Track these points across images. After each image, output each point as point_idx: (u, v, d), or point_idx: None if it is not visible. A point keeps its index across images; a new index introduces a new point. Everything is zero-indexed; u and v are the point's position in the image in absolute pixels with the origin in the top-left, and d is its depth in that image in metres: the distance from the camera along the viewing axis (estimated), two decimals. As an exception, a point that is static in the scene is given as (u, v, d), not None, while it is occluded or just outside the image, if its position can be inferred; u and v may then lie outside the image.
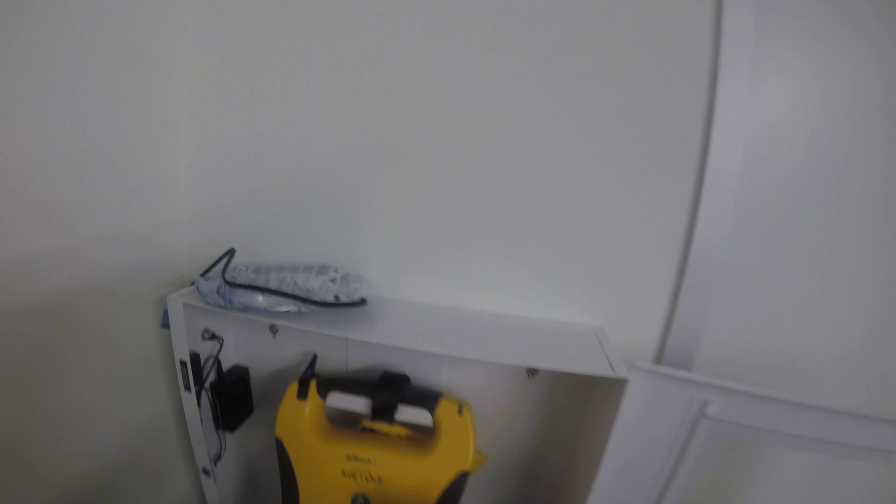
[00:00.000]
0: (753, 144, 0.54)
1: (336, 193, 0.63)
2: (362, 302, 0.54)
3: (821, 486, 0.65)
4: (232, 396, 0.66)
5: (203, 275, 0.60)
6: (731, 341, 0.60)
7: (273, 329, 0.65)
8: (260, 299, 0.53)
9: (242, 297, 0.54)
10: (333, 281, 0.56)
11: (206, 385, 0.63)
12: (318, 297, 0.53)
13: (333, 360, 0.64)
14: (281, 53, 0.61)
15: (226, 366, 0.67)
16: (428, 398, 0.57)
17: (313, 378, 0.59)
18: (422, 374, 0.61)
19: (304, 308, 0.53)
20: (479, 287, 0.62)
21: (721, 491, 0.66)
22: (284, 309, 0.54)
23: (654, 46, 0.54)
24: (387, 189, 0.62)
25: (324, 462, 0.58)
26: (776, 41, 0.53)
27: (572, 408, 0.60)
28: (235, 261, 0.61)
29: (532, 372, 0.59)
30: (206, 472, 0.67)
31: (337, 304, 0.53)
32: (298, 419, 0.58)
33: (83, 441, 0.59)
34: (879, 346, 0.59)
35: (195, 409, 0.62)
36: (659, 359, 0.61)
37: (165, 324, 0.60)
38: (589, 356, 0.52)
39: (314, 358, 0.63)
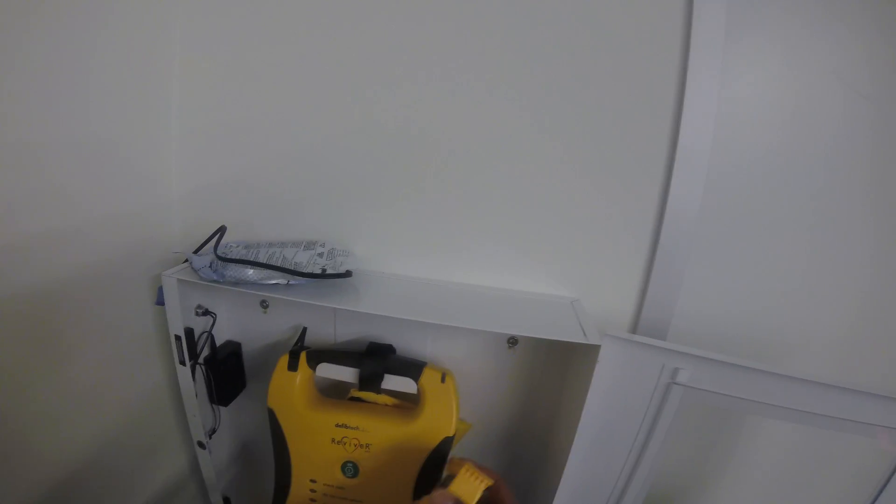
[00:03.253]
0: (725, 121, 0.56)
1: (325, 172, 0.65)
2: (347, 273, 0.57)
3: (803, 455, 0.67)
4: (225, 371, 0.68)
5: (195, 252, 0.62)
6: (704, 314, 0.63)
7: (264, 304, 0.68)
8: (250, 272, 0.56)
9: (234, 271, 0.56)
10: (321, 255, 0.59)
11: (201, 360, 0.65)
12: (305, 270, 0.55)
13: (322, 333, 0.67)
14: (271, 35, 0.63)
15: (219, 341, 0.69)
16: (412, 367, 0.59)
17: (303, 350, 0.62)
18: (407, 344, 0.64)
19: (292, 280, 0.56)
20: (461, 262, 0.65)
21: (703, 458, 0.69)
22: (274, 282, 0.56)
23: (625, 23, 0.55)
24: (374, 168, 0.64)
25: (314, 431, 0.61)
26: (749, 19, 0.54)
27: (551, 377, 0.63)
28: (226, 239, 0.63)
29: (512, 342, 0.62)
30: (201, 444, 0.69)
31: (324, 276, 0.55)
32: (289, 390, 0.61)
33: (81, 420, 0.61)
34: (851, 321, 0.61)
35: (190, 383, 0.64)
36: (634, 330, 0.63)
37: (160, 301, 0.62)
38: (565, 325, 0.54)
39: (304, 331, 0.66)
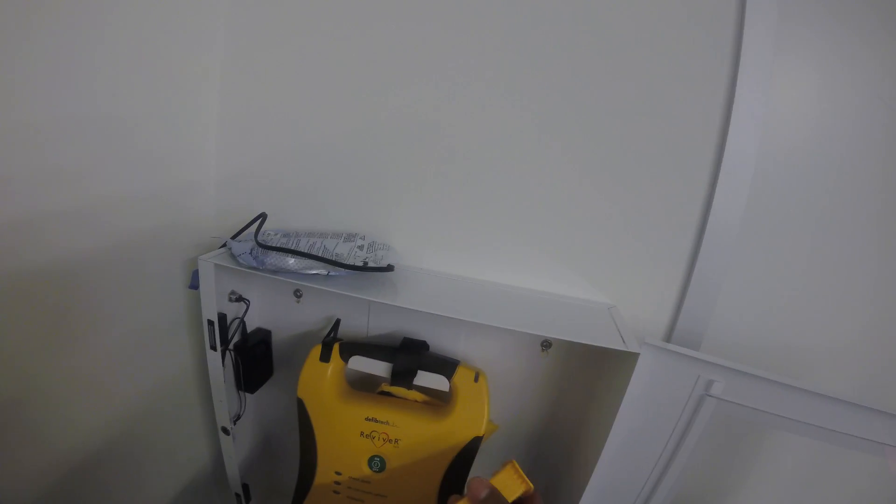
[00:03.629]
0: (769, 136, 0.56)
1: (364, 164, 0.65)
2: (389, 268, 0.57)
3: (818, 472, 0.67)
4: (254, 358, 0.68)
5: (234, 237, 0.62)
6: (738, 326, 0.62)
7: (297, 293, 0.68)
8: (291, 261, 0.56)
9: (274, 258, 0.56)
10: (361, 248, 0.59)
11: (231, 346, 0.66)
12: (346, 262, 0.55)
13: (354, 325, 0.67)
14: (316, 21, 0.63)
15: (249, 328, 0.69)
16: (446, 365, 0.59)
17: (337, 341, 0.62)
18: (440, 341, 0.64)
19: (332, 271, 0.56)
20: (498, 263, 0.64)
21: (723, 470, 0.68)
22: (314, 272, 0.56)
23: (682, 41, 0.56)
24: (415, 163, 0.64)
25: (343, 423, 0.61)
26: (794, 47, 0.55)
27: (582, 381, 0.63)
28: (264, 227, 0.64)
29: (546, 345, 0.62)
30: (225, 430, 0.69)
31: (365, 269, 0.55)
32: (320, 381, 0.61)
33: (96, 404, 0.61)
34: (883, 336, 0.61)
35: (220, 369, 0.64)
36: (668, 338, 0.63)
37: (194, 285, 0.62)
38: (602, 331, 0.54)
39: (337, 322, 0.66)
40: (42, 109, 0.47)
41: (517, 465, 0.44)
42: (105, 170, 0.55)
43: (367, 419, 0.60)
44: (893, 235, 0.58)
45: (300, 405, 0.62)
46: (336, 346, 0.61)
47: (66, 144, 0.50)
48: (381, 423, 0.60)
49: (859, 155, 0.57)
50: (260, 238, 0.60)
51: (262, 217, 0.61)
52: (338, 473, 0.62)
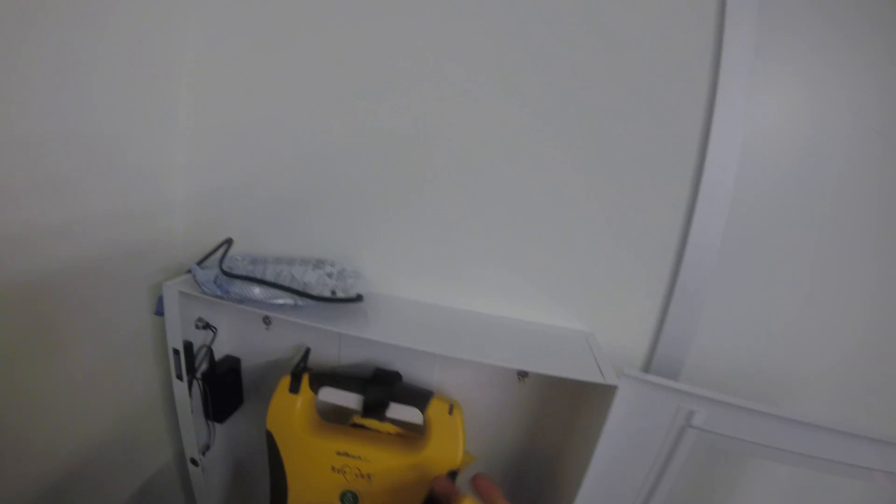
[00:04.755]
0: (748, 156, 0.55)
1: (336, 185, 0.63)
2: (358, 298, 0.55)
3: (804, 498, 0.66)
4: (223, 387, 0.66)
5: (199, 263, 0.60)
6: (719, 351, 0.61)
7: (267, 321, 0.65)
8: (257, 291, 0.53)
9: (239, 287, 0.54)
10: (330, 275, 0.57)
11: (198, 374, 0.63)
12: (314, 292, 0.53)
13: (326, 354, 0.64)
14: (284, 38, 0.61)
15: (218, 356, 0.67)
16: (419, 397, 0.57)
17: (306, 372, 0.59)
18: (414, 371, 0.61)
19: (300, 301, 0.53)
20: (472, 288, 0.63)
21: (706, 499, 0.67)
22: (280, 301, 0.54)
23: (655, 55, 0.54)
24: (387, 185, 0.62)
25: (314, 457, 0.58)
26: (775, 54, 0.54)
27: (560, 411, 0.61)
28: (232, 250, 0.61)
29: (522, 374, 0.60)
30: (194, 462, 0.67)
31: (333, 300, 0.53)
32: (289, 413, 0.59)
33: (71, 419, 0.58)
34: (864, 359, 0.60)
35: (186, 399, 0.62)
36: (647, 366, 0.61)
37: (159, 311, 0.59)
38: (579, 361, 0.52)
39: (307, 351, 0.64)
40: (21, 123, 0.47)
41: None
42: (77, 183, 0.53)
43: (338, 453, 0.58)
44: (879, 256, 0.57)
45: (269, 438, 0.60)
46: (305, 377, 0.59)
47: (40, 157, 0.49)
48: (353, 457, 0.57)
49: (843, 175, 0.56)
50: (226, 264, 0.58)
51: (228, 242, 0.59)
52: (309, 509, 0.60)
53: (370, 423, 0.59)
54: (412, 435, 0.59)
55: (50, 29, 0.47)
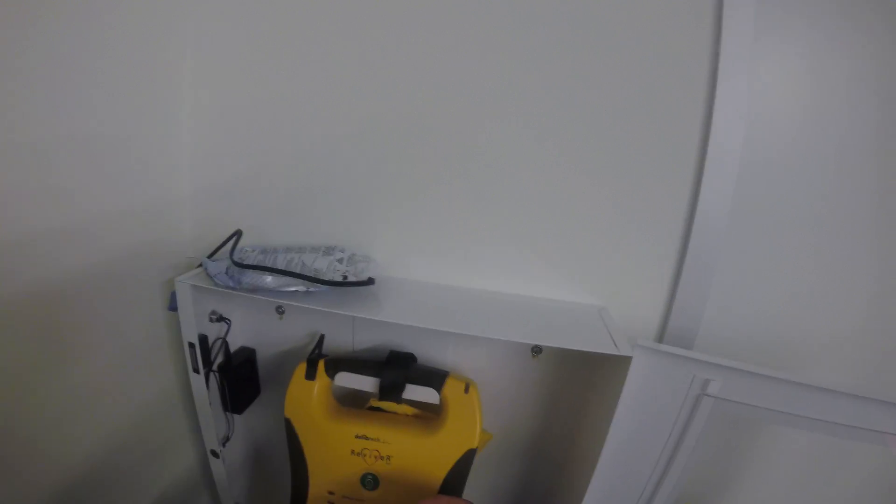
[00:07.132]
0: (753, 127, 0.55)
1: (344, 173, 0.63)
2: (370, 281, 0.55)
3: (819, 465, 0.66)
4: (239, 378, 0.67)
5: (209, 256, 0.60)
6: (731, 321, 0.61)
7: (280, 310, 0.66)
8: (269, 279, 0.54)
9: (251, 277, 0.54)
10: (340, 261, 0.57)
11: (214, 367, 0.64)
12: (326, 277, 0.54)
13: (340, 340, 0.65)
14: (288, 31, 0.61)
15: (233, 347, 0.67)
16: (435, 377, 0.57)
17: (321, 358, 0.60)
18: (428, 352, 0.62)
19: (312, 287, 0.54)
20: (484, 268, 0.63)
21: (724, 466, 0.67)
22: (293, 289, 0.54)
23: (658, 32, 0.54)
24: (394, 170, 0.62)
25: (333, 442, 0.59)
26: (775, 29, 0.53)
27: (575, 385, 0.61)
28: (241, 243, 0.62)
29: (536, 350, 0.60)
30: (214, 453, 0.68)
31: (345, 284, 0.53)
32: (307, 399, 0.59)
33: (90, 423, 0.59)
34: (878, 323, 0.60)
35: (204, 392, 0.62)
36: (661, 338, 0.61)
37: (173, 306, 0.60)
38: (593, 334, 0.53)
39: (321, 338, 0.64)
40: (22, 128, 0.46)
41: None
42: (80, 188, 0.53)
43: (357, 436, 0.58)
44: (888, 225, 0.56)
45: (288, 425, 0.60)
46: (321, 363, 0.59)
47: (44, 163, 0.49)
48: (372, 440, 0.58)
49: (848, 144, 0.55)
50: (236, 256, 0.58)
51: (238, 234, 0.59)
52: (331, 493, 0.61)
53: (387, 405, 0.60)
54: (429, 415, 0.60)
55: (54, 33, 0.47)
